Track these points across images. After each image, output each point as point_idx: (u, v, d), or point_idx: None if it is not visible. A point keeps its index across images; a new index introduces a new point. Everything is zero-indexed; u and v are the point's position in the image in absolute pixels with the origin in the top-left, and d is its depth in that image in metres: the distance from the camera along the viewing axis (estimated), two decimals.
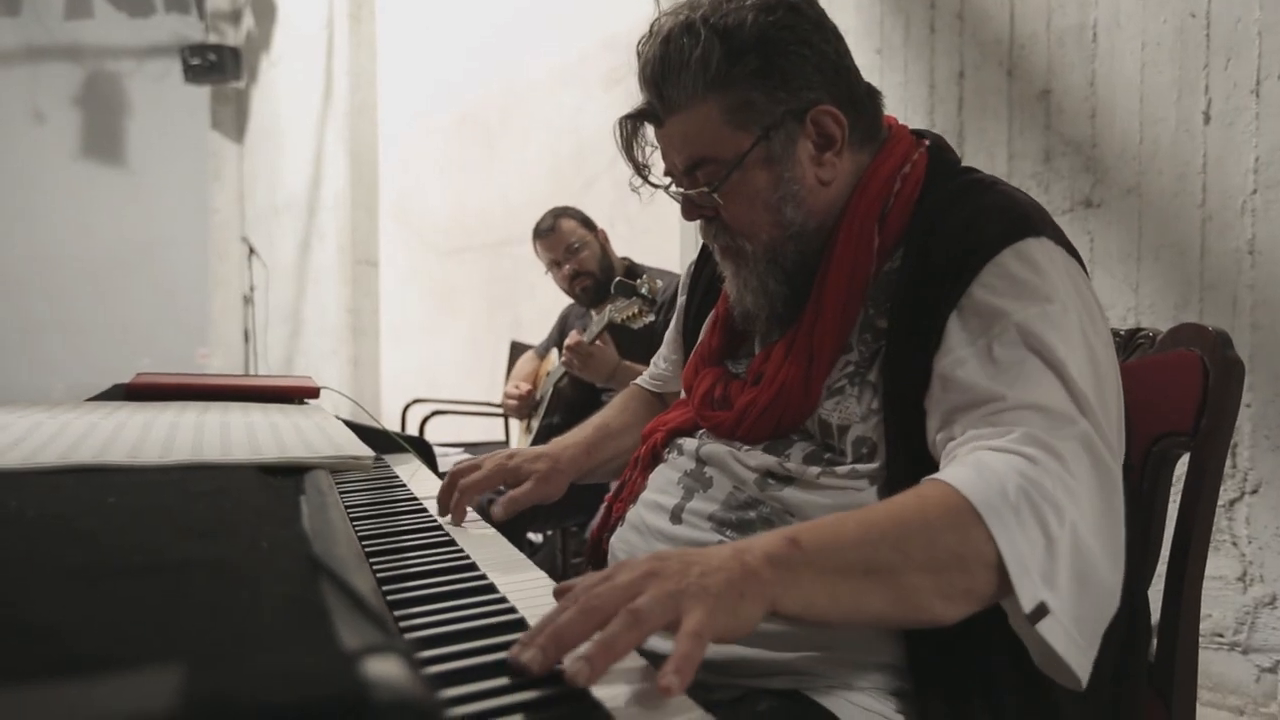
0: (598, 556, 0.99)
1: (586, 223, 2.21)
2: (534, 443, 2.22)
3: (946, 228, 0.80)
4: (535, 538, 2.56)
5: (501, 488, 1.06)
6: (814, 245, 0.88)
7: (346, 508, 0.88)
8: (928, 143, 0.92)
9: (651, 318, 1.88)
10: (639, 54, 0.89)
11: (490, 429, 3.04)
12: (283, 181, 7.76)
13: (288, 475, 0.73)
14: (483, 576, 0.71)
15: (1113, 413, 0.73)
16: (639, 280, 1.86)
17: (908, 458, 0.78)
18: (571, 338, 2.02)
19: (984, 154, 2.39)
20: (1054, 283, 0.76)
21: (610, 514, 0.98)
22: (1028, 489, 0.63)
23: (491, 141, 4.82)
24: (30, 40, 8.41)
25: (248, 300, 5.28)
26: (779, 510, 0.83)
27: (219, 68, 8.01)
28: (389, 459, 1.39)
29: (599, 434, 1.14)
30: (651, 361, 1.24)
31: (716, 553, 0.55)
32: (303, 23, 6.91)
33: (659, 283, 1.86)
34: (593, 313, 2.02)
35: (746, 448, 0.88)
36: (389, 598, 0.63)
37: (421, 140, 5.59)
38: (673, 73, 0.85)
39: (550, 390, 2.13)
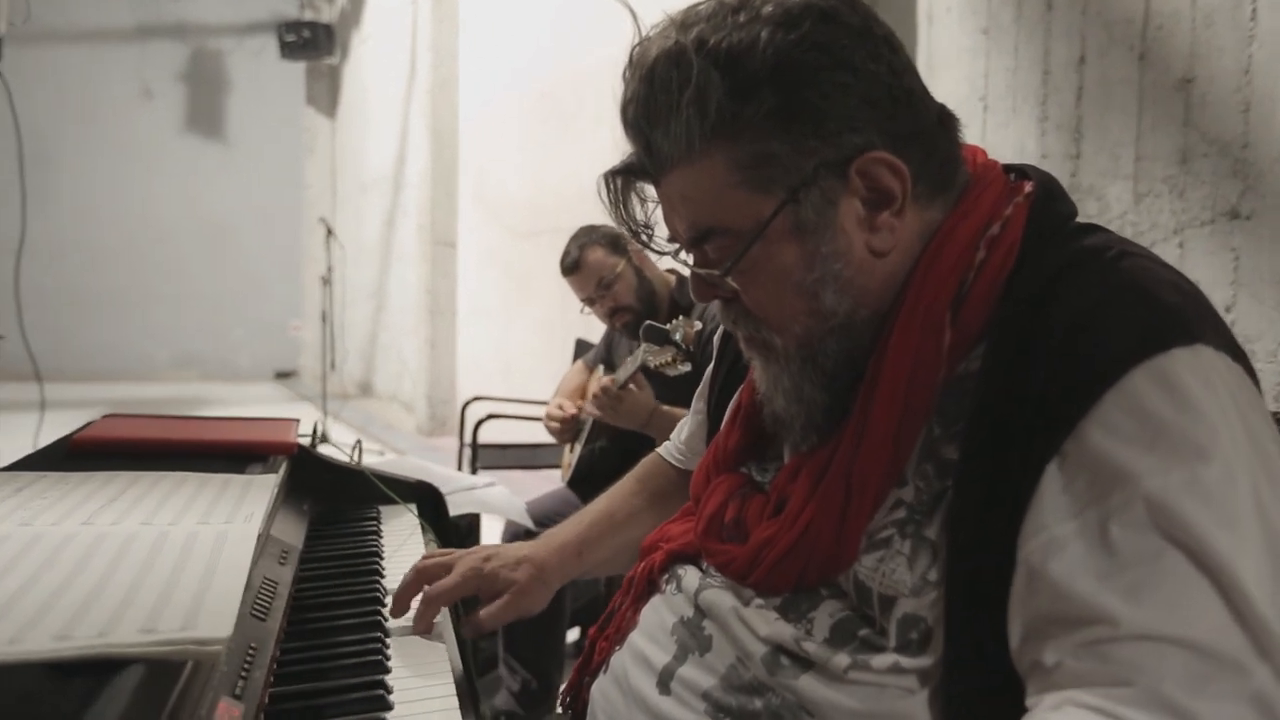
0: (577, 708, 0.80)
1: (615, 246, 1.94)
2: (576, 469, 2.05)
3: (1049, 324, 0.56)
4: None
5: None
6: (865, 339, 0.65)
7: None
8: (1029, 188, 0.66)
9: (687, 367, 1.64)
10: (622, 82, 0.67)
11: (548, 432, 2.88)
12: (370, 158, 7.80)
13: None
14: None
15: None
16: (673, 324, 1.62)
17: (975, 656, 0.56)
18: (602, 379, 1.81)
19: (1105, 154, 2.06)
20: (1213, 425, 0.51)
21: (593, 653, 0.79)
22: None
23: (566, 122, 4.64)
24: (140, 19, 8.69)
25: (325, 282, 5.29)
26: (792, 705, 0.61)
27: (313, 44, 8.09)
28: (384, 511, 1.24)
29: (596, 529, 0.94)
30: (675, 428, 1.03)
31: None
32: None
33: (696, 325, 1.61)
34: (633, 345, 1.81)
35: (759, 602, 0.66)
36: None
37: (500, 119, 5.47)
38: (660, 118, 0.62)
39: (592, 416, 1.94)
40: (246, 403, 7.85)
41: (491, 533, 2.13)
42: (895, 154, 0.61)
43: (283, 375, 9.33)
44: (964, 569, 0.56)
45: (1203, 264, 1.88)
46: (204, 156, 9.04)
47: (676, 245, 0.69)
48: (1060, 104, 2.15)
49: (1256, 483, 0.51)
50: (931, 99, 0.66)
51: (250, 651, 0.68)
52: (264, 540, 0.85)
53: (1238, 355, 0.56)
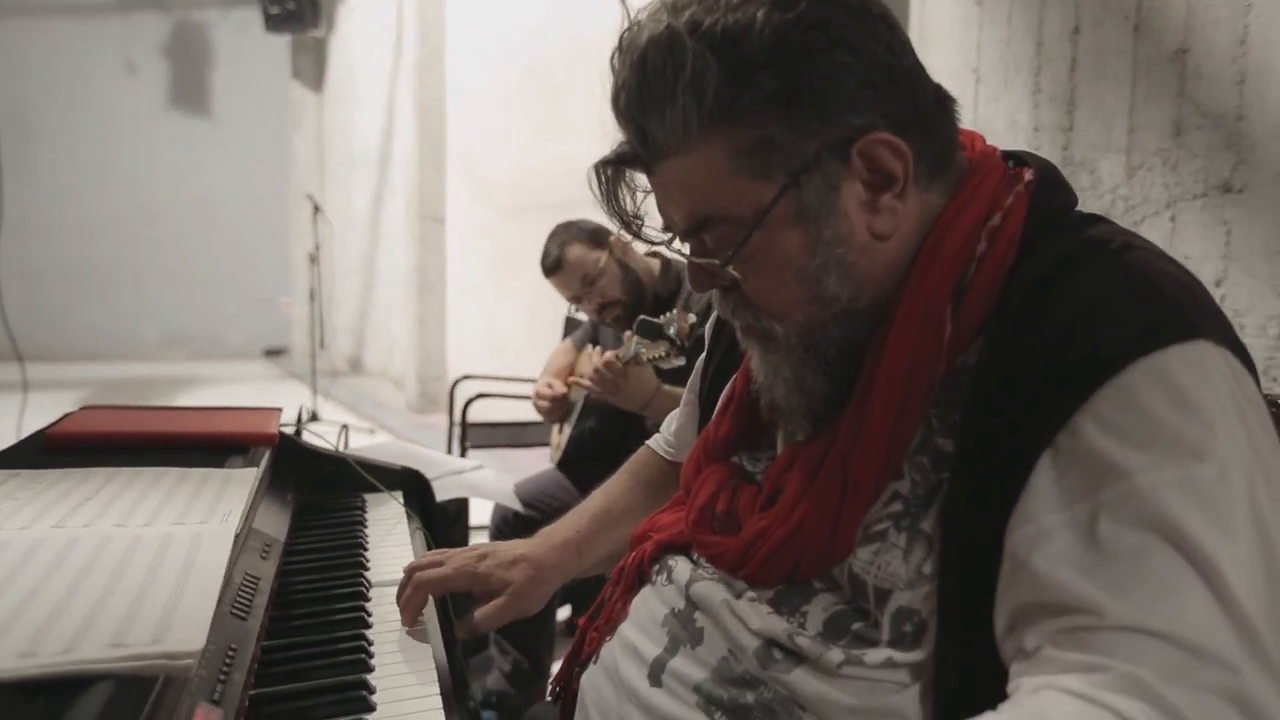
0: (567, 697, 0.79)
1: (596, 239, 1.89)
2: (566, 450, 2.03)
3: (1048, 317, 0.55)
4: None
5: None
6: (867, 326, 0.63)
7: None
8: (1028, 176, 0.64)
9: (681, 361, 1.61)
10: (611, 69, 0.65)
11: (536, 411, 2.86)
12: (358, 133, 7.70)
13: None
14: None
15: None
16: (666, 318, 1.59)
17: (967, 649, 0.55)
18: (602, 355, 1.76)
19: (1099, 125, 2.03)
20: (1210, 424, 0.50)
21: (584, 644, 0.78)
22: None
23: (555, 98, 4.58)
24: None
25: (313, 259, 5.23)
26: (784, 699, 0.61)
27: (298, 16, 7.94)
28: (370, 499, 1.23)
29: (596, 524, 0.92)
30: (665, 419, 1.01)
31: None
32: None
33: (690, 318, 1.58)
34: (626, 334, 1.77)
35: (751, 595, 0.65)
36: None
37: (488, 94, 5.40)
38: (654, 106, 0.60)
39: (583, 395, 1.92)
40: (237, 381, 7.82)
41: (480, 512, 2.12)
42: (896, 134, 0.60)
43: (273, 353, 9.28)
44: (958, 561, 0.56)
45: (1194, 238, 1.86)
46: (190, 132, 8.91)
47: (669, 234, 0.67)
48: (1054, 75, 2.12)
49: (1253, 484, 0.50)
50: (929, 78, 0.64)
51: (230, 653, 0.67)
52: (244, 536, 0.84)
53: (1238, 350, 0.55)
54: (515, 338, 5.17)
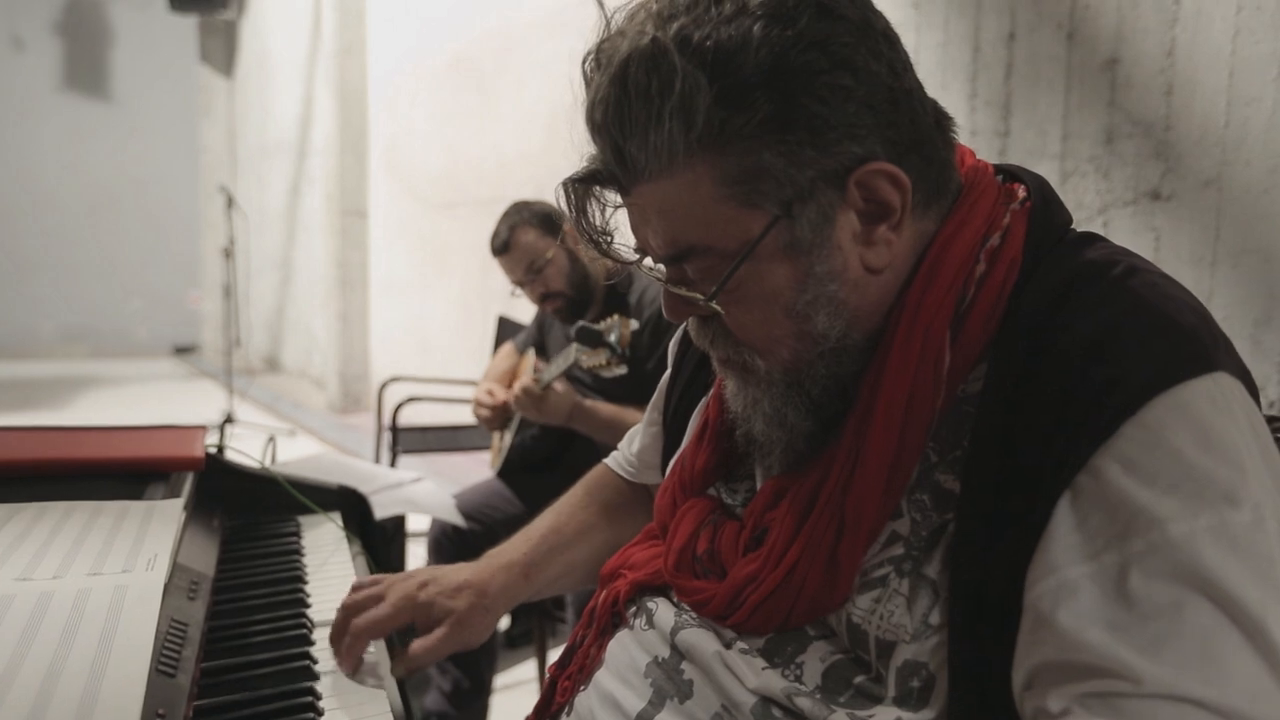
0: None
1: (548, 225, 1.83)
2: (508, 459, 1.96)
3: (1058, 347, 0.52)
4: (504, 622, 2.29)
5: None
6: (855, 363, 0.59)
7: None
8: (1022, 193, 0.61)
9: (623, 369, 1.57)
10: (584, 78, 0.59)
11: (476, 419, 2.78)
12: (273, 122, 7.37)
13: None
14: None
15: None
16: (606, 324, 1.54)
17: (982, 706, 0.52)
18: (524, 378, 1.72)
19: (1033, 131, 2.07)
20: (1240, 464, 0.47)
21: (555, 693, 0.72)
22: None
23: (485, 88, 4.46)
24: None
25: (228, 254, 4.97)
26: None
27: None
28: (304, 521, 1.14)
29: (545, 545, 0.86)
30: (625, 438, 0.96)
31: None
32: None
33: (632, 324, 1.53)
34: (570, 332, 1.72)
35: (742, 645, 0.61)
36: None
37: (412, 84, 5.23)
38: (637, 127, 0.55)
39: None
40: (145, 380, 7.41)
41: (418, 520, 2.03)
42: (895, 162, 0.56)
43: (182, 350, 8.85)
44: (968, 611, 0.52)
45: (1125, 244, 1.90)
46: (85, 115, 8.40)
47: (641, 254, 0.62)
48: (989, 82, 2.15)
49: None
50: (928, 98, 0.60)
51: (158, 718, 0.59)
52: (169, 574, 0.75)
53: (1247, 379, 0.53)
54: (444, 336, 5.03)
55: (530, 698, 2.11)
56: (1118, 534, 0.47)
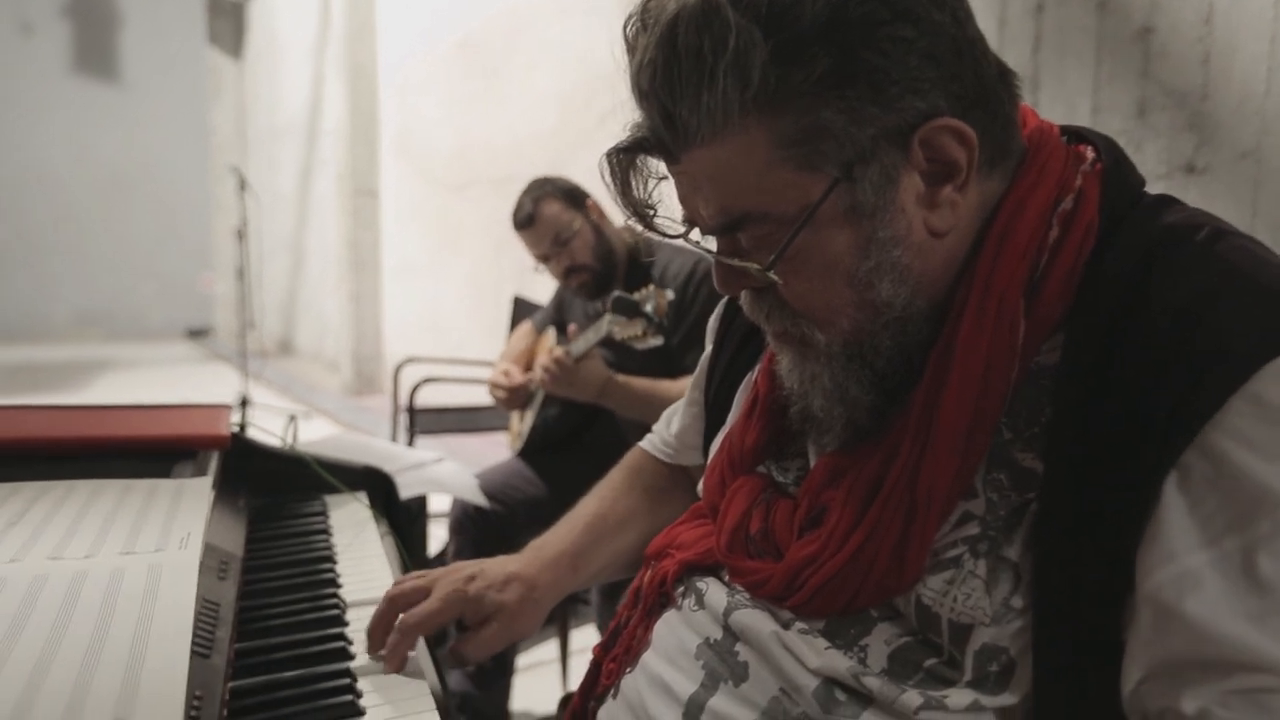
0: None
1: (572, 198, 1.79)
2: (529, 439, 1.94)
3: (1148, 315, 0.49)
4: None
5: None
6: (921, 332, 0.56)
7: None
8: (1091, 154, 0.58)
9: (659, 340, 1.53)
10: (626, 43, 0.56)
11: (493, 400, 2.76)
12: (283, 104, 7.34)
13: None
14: None
15: None
16: (642, 294, 1.51)
17: (1070, 695, 0.49)
18: (555, 349, 1.68)
19: (1062, 104, 2.02)
20: None
21: (600, 674, 0.70)
22: None
23: (496, 70, 4.42)
24: None
25: (240, 236, 4.96)
26: None
27: None
28: (330, 501, 1.12)
29: (590, 535, 0.84)
30: (662, 418, 0.93)
31: None
32: None
33: (669, 295, 1.50)
34: (599, 305, 1.68)
35: (801, 626, 0.59)
36: None
37: (423, 66, 5.19)
38: (688, 89, 0.52)
39: None
40: (159, 363, 7.44)
41: (439, 500, 2.02)
42: (961, 118, 0.53)
43: (196, 333, 8.87)
44: (1056, 596, 0.49)
45: None
46: (95, 99, 8.40)
47: (689, 225, 0.59)
48: (1016, 55, 2.10)
49: None
50: (990, 50, 0.57)
51: (195, 702, 0.58)
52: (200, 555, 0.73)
53: None
54: (458, 317, 5.02)
55: (553, 678, 2.11)
56: (1240, 516, 0.45)
